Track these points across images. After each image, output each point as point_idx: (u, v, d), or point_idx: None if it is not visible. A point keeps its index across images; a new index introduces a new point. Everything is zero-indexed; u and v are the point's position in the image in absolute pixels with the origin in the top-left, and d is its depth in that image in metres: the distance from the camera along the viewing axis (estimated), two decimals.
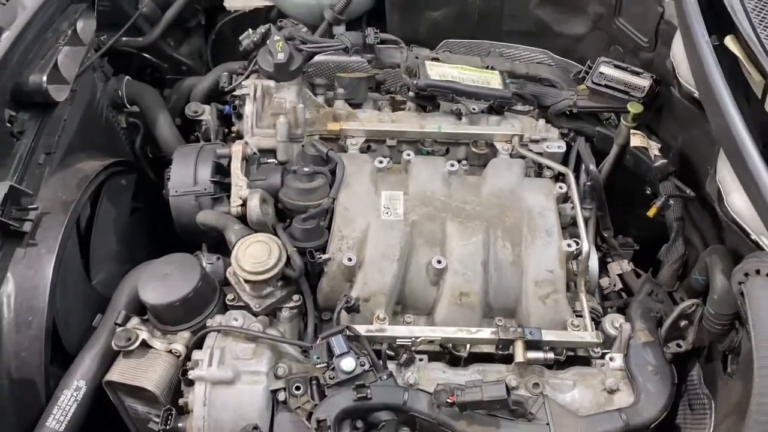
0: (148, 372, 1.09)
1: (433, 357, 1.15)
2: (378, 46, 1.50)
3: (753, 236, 0.95)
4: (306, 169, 1.24)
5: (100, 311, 1.22)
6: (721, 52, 1.09)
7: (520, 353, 1.08)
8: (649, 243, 1.43)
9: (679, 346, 1.17)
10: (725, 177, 1.01)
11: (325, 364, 1.03)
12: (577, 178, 1.42)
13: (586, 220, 1.39)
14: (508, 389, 0.99)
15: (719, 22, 1.13)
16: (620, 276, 1.41)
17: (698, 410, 1.13)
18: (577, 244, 1.22)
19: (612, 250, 1.45)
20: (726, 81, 1.06)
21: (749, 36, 1.01)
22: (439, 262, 1.17)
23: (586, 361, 1.17)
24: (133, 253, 1.43)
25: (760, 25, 1.10)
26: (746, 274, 0.88)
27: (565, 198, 1.33)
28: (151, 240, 1.54)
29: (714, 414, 1.09)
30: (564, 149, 1.43)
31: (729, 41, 1.05)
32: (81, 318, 1.22)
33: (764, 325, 0.82)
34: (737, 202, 0.98)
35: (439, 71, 1.46)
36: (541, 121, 1.47)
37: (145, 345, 1.11)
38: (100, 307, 1.23)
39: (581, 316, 1.19)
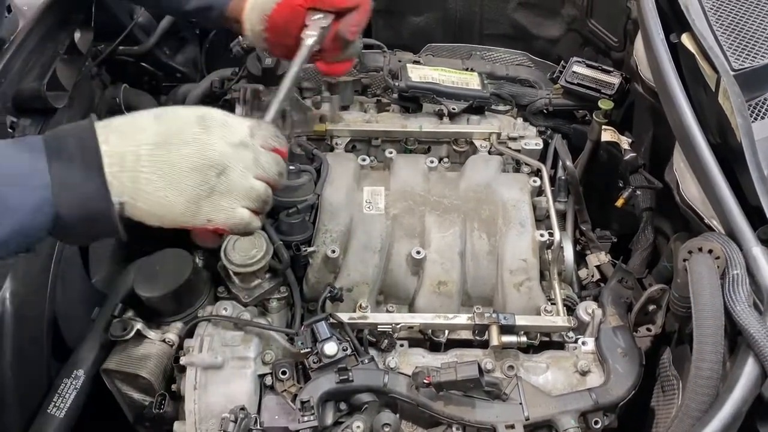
0: (143, 360, 1.14)
1: (414, 344, 1.20)
2: (363, 51, 1.57)
3: (706, 220, 1.01)
4: (292, 167, 1.31)
5: (98, 306, 1.28)
6: (682, 50, 1.16)
7: (495, 337, 1.13)
8: (628, 236, 1.49)
9: (649, 330, 1.23)
10: (680, 166, 1.08)
11: (309, 349, 1.09)
12: (555, 173, 1.49)
13: (562, 213, 1.45)
14: (481, 369, 1.04)
15: (679, 21, 1.20)
16: (598, 267, 1.47)
17: (669, 391, 1.18)
18: (551, 234, 1.28)
19: (590, 242, 1.50)
20: (685, 76, 1.13)
21: (701, 33, 1.08)
22: (418, 252, 1.23)
23: (560, 346, 1.22)
24: (130, 251, 1.50)
25: (717, 23, 1.17)
26: (690, 252, 0.94)
27: (539, 191, 1.39)
28: (147, 238, 1.59)
29: (681, 393, 1.14)
30: (541, 146, 1.49)
31: (685, 38, 1.12)
32: (81, 313, 1.28)
33: (703, 295, 0.89)
34: (691, 189, 1.04)
35: (420, 73, 1.53)
36: (519, 120, 1.53)
37: (140, 335, 1.16)
38: (99, 302, 1.28)
39: (555, 303, 1.25)
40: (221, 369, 1.10)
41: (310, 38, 1.14)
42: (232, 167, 0.82)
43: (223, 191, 0.82)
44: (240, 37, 1.64)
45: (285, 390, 1.09)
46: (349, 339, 1.11)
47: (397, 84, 1.49)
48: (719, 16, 1.17)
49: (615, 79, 1.46)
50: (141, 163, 0.78)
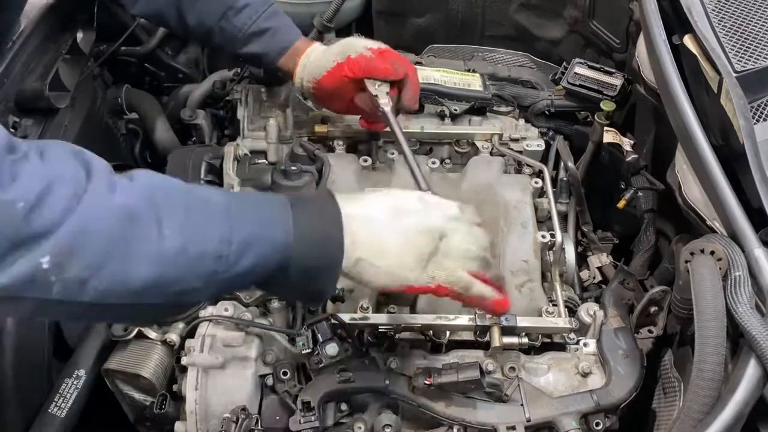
0: (144, 361, 1.14)
1: (415, 345, 1.20)
2: None
3: (708, 222, 1.01)
4: (293, 168, 1.31)
5: None
6: (684, 51, 1.17)
7: (496, 338, 1.13)
8: (630, 237, 1.49)
9: (650, 331, 1.23)
10: (683, 168, 1.08)
11: (310, 350, 1.09)
12: (556, 174, 1.49)
13: (564, 215, 1.45)
14: (482, 370, 1.04)
15: (682, 22, 1.20)
16: (599, 269, 1.47)
17: (670, 393, 1.17)
18: (552, 236, 1.28)
19: (592, 244, 1.50)
20: (687, 77, 1.13)
21: (703, 35, 1.08)
22: None
23: (561, 348, 1.22)
24: None
25: (719, 24, 1.17)
26: (692, 254, 0.94)
27: (541, 193, 1.39)
28: None
29: (683, 395, 1.14)
30: (543, 147, 1.49)
31: (687, 40, 1.12)
32: None
33: (705, 297, 0.89)
34: (693, 191, 1.04)
35: (422, 75, 1.52)
36: (521, 121, 1.53)
37: (141, 335, 1.17)
38: None
39: (557, 304, 1.24)
40: (222, 369, 1.10)
41: (388, 108, 1.24)
42: (452, 234, 0.93)
43: (446, 253, 0.93)
44: None
45: (286, 390, 1.09)
46: (350, 340, 1.11)
47: None
48: (722, 17, 1.17)
49: (617, 81, 1.46)
50: (378, 226, 0.90)
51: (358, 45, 1.28)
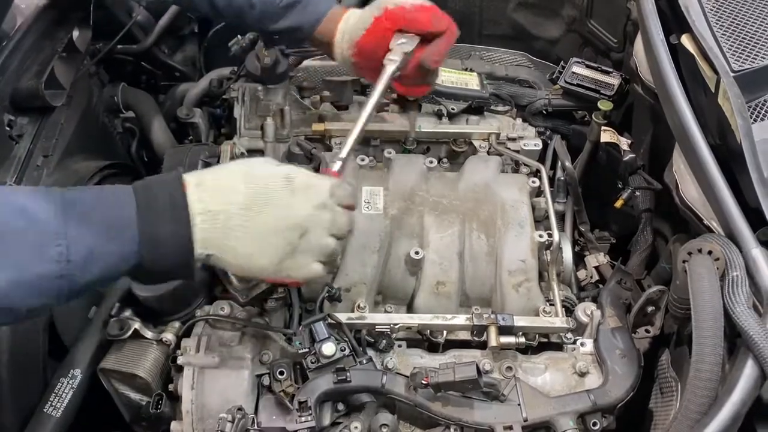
0: (140, 360, 1.14)
1: (412, 344, 1.20)
2: None
3: (705, 221, 1.01)
4: None
5: (96, 305, 1.27)
6: (682, 51, 1.16)
7: (493, 338, 1.13)
8: (627, 237, 1.49)
9: (647, 331, 1.23)
10: (680, 167, 1.07)
11: (307, 350, 1.09)
12: (554, 174, 1.49)
13: (561, 214, 1.45)
14: (479, 370, 1.04)
15: (679, 22, 1.20)
16: (596, 268, 1.47)
17: (667, 393, 1.18)
18: (550, 235, 1.28)
19: (589, 243, 1.50)
20: (685, 77, 1.13)
21: (701, 34, 1.07)
22: (416, 253, 1.22)
23: (559, 347, 1.22)
24: None
25: (717, 24, 1.17)
26: (689, 253, 0.94)
27: (538, 192, 1.39)
28: None
29: (680, 395, 1.14)
30: (540, 147, 1.49)
31: (685, 40, 1.12)
32: (78, 312, 1.28)
33: (702, 297, 0.89)
34: (690, 191, 1.04)
35: None
36: (519, 120, 1.53)
37: (137, 335, 1.16)
38: (96, 302, 1.28)
39: (554, 304, 1.24)
40: (218, 369, 1.09)
41: (391, 64, 1.15)
42: (313, 229, 0.90)
43: (303, 250, 0.91)
44: (239, 36, 1.63)
45: (282, 390, 1.08)
46: (347, 339, 1.11)
47: None
48: (719, 17, 1.17)
49: (614, 80, 1.46)
50: (232, 222, 0.85)
51: None
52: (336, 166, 1.06)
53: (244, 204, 0.86)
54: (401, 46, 1.16)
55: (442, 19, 1.20)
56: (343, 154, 1.08)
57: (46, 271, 0.77)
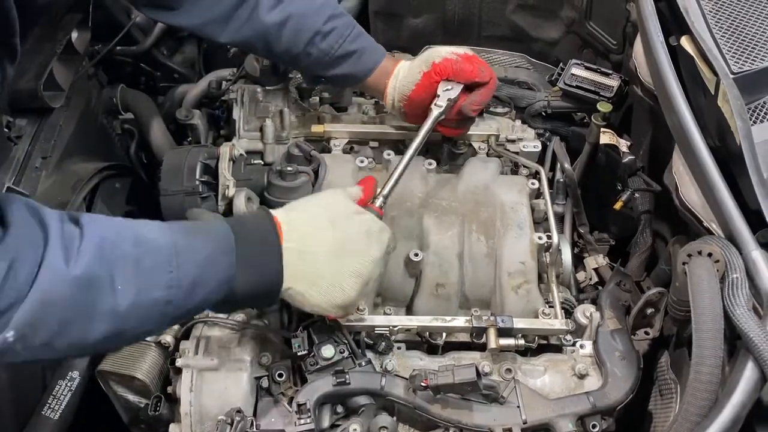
0: (138, 362, 1.14)
1: (412, 346, 1.19)
2: None
3: (705, 223, 1.01)
4: (289, 169, 1.30)
5: None
6: (681, 52, 1.16)
7: (492, 340, 1.13)
8: (626, 239, 1.49)
9: (647, 333, 1.23)
10: (679, 169, 1.07)
11: (306, 352, 1.08)
12: (553, 176, 1.49)
13: (560, 216, 1.45)
14: (479, 372, 1.04)
15: (679, 23, 1.20)
16: (596, 270, 1.47)
17: (666, 395, 1.18)
18: (549, 237, 1.28)
19: (588, 245, 1.50)
20: (684, 79, 1.13)
21: (700, 36, 1.07)
22: (416, 254, 1.22)
23: (558, 349, 1.21)
24: None
25: (716, 25, 1.17)
26: (689, 255, 0.94)
27: (538, 194, 1.39)
28: None
29: (679, 397, 1.14)
30: (539, 148, 1.49)
31: (684, 41, 1.12)
32: None
33: (702, 299, 0.88)
34: (690, 193, 1.04)
35: None
36: (518, 122, 1.53)
37: None
38: None
39: (553, 306, 1.24)
40: (217, 371, 1.09)
41: (437, 109, 1.26)
42: (375, 277, 1.04)
43: (365, 293, 1.05)
44: None
45: (281, 392, 1.08)
46: (346, 341, 1.10)
47: None
48: (719, 18, 1.17)
49: (614, 82, 1.46)
50: (317, 265, 0.97)
51: (442, 51, 1.30)
52: (378, 202, 1.13)
53: (330, 248, 0.98)
54: (447, 93, 1.27)
55: (486, 71, 1.31)
56: (386, 190, 1.15)
57: (159, 297, 0.82)
